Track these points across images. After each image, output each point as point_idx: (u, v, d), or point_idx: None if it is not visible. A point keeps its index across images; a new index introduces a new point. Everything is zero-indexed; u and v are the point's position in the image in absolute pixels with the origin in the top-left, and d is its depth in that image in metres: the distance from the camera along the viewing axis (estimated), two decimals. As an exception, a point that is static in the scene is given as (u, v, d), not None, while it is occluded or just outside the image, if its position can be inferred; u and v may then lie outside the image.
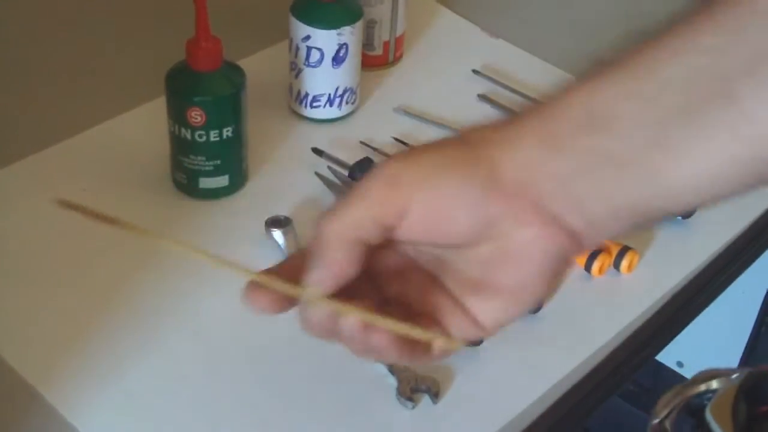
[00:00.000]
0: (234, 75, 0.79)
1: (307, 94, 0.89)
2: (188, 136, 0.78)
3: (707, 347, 1.23)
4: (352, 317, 0.45)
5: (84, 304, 0.72)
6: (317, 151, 0.86)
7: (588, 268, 0.78)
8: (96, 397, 0.66)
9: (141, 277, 0.74)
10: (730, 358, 1.23)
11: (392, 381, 0.68)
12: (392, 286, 0.49)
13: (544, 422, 0.69)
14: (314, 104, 0.89)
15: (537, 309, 0.73)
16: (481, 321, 0.48)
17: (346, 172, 0.84)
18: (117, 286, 0.73)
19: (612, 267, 0.79)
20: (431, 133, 0.90)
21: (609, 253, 0.78)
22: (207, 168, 0.80)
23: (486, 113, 0.93)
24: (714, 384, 0.61)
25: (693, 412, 0.61)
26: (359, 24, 0.87)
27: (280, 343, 0.70)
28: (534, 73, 0.99)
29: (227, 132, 0.78)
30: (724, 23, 0.43)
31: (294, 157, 0.87)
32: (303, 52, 0.87)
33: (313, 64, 0.87)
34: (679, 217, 0.82)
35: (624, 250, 0.78)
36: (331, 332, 0.46)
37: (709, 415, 0.58)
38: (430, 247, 0.49)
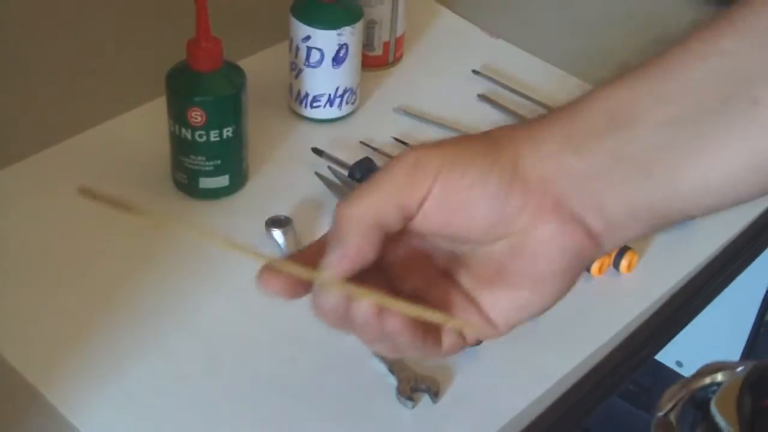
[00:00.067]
0: (234, 75, 0.79)
1: (307, 94, 0.89)
2: (188, 136, 0.78)
3: (706, 347, 1.23)
4: (366, 301, 0.45)
5: (84, 304, 0.72)
6: (317, 151, 0.86)
7: (587, 267, 0.78)
8: (96, 396, 0.66)
9: (141, 277, 0.74)
10: (729, 357, 1.23)
11: (392, 381, 0.68)
12: (405, 282, 0.49)
13: (544, 422, 0.70)
14: (314, 104, 0.89)
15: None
16: (493, 319, 0.48)
17: (346, 172, 0.84)
18: (117, 286, 0.73)
19: (611, 267, 0.79)
20: (431, 133, 0.90)
21: (608, 252, 0.78)
22: (207, 168, 0.80)
23: (486, 113, 0.93)
24: (719, 377, 0.61)
25: (698, 405, 0.61)
26: (359, 24, 0.87)
27: (280, 342, 0.71)
28: (534, 73, 0.99)
29: (227, 132, 0.78)
30: (744, 27, 0.43)
31: (294, 157, 0.87)
32: (303, 53, 0.87)
33: (313, 65, 0.87)
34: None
35: (623, 250, 0.78)
36: (343, 319, 0.46)
37: (713, 408, 0.59)
38: (444, 242, 0.48)
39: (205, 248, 0.77)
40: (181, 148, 0.79)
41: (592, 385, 0.73)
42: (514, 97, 0.95)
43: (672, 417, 0.62)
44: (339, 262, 0.45)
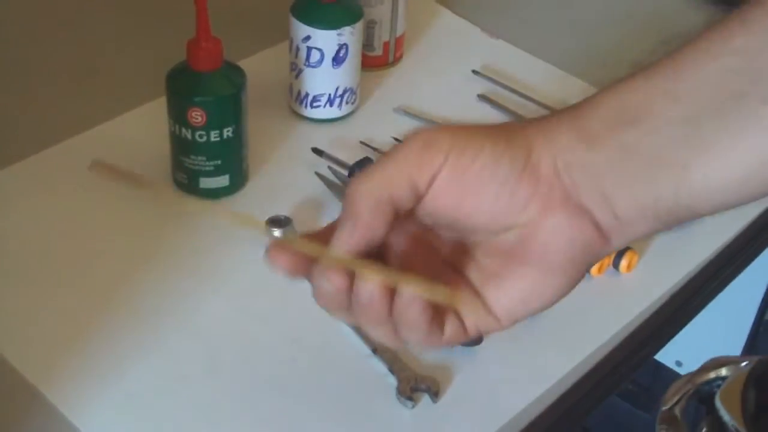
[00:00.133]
0: (234, 75, 0.79)
1: (307, 94, 0.89)
2: (189, 136, 0.78)
3: (706, 347, 1.23)
4: (374, 276, 0.45)
5: (84, 304, 0.72)
6: (317, 151, 0.86)
7: (595, 263, 0.77)
8: (97, 396, 0.66)
9: (141, 277, 0.74)
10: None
11: (392, 380, 0.68)
12: (411, 272, 0.49)
13: (544, 421, 0.70)
14: (314, 104, 0.89)
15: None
16: (496, 312, 0.48)
17: (346, 172, 0.84)
18: (117, 286, 0.73)
19: (611, 266, 0.79)
20: (431, 133, 0.90)
21: (616, 249, 0.78)
22: (207, 168, 0.80)
23: (486, 113, 0.93)
24: (723, 371, 0.62)
25: (702, 399, 0.61)
26: (359, 24, 0.87)
27: (280, 342, 0.71)
28: (534, 73, 0.99)
29: (228, 132, 0.78)
30: (754, 25, 0.43)
31: (294, 157, 0.87)
32: (303, 53, 0.87)
33: (314, 65, 0.87)
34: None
35: (623, 250, 0.78)
36: (345, 301, 0.46)
37: (718, 403, 0.59)
38: (451, 231, 0.48)
39: (205, 248, 0.77)
40: (181, 148, 0.79)
41: (591, 384, 0.73)
42: (514, 97, 0.95)
43: (677, 411, 0.62)
44: (349, 236, 0.45)
